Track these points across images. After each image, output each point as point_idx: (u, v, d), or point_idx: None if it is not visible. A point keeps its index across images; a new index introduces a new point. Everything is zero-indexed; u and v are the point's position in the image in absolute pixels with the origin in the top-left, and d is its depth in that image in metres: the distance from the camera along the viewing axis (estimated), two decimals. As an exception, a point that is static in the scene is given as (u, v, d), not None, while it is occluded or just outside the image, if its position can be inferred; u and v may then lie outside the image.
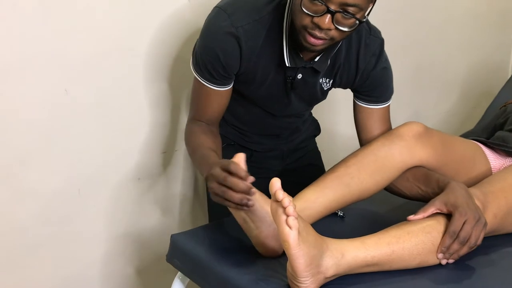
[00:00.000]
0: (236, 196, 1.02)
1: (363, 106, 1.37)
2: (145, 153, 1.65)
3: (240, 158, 1.07)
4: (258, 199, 1.10)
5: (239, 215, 1.13)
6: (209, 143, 1.25)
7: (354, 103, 1.40)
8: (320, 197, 1.24)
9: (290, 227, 0.94)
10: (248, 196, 1.02)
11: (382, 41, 1.32)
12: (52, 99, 1.43)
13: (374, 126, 1.37)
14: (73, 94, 1.45)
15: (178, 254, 1.27)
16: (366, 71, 1.31)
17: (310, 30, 1.11)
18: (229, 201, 1.03)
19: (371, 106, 1.37)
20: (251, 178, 1.03)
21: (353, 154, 1.31)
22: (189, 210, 1.80)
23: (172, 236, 1.29)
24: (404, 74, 2.31)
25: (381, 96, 1.36)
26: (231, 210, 1.13)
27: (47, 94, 1.42)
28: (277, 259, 1.17)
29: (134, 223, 1.69)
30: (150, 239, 1.73)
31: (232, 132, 1.47)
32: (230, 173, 1.03)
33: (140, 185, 1.67)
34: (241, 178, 1.02)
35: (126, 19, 1.49)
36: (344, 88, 1.39)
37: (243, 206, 1.03)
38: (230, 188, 1.02)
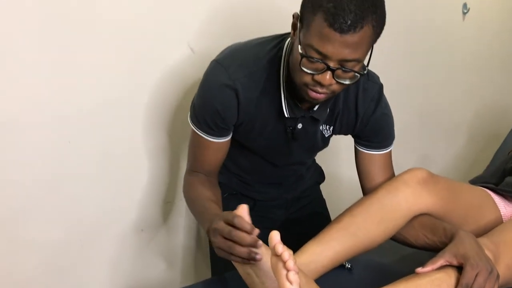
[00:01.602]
0: (243, 251, 0.99)
1: (365, 152, 1.36)
2: (147, 203, 1.63)
3: (243, 210, 1.03)
4: (264, 252, 1.05)
5: (243, 269, 1.10)
6: (208, 194, 1.23)
7: (356, 149, 1.38)
8: (325, 249, 1.20)
9: (291, 283, 0.91)
10: (255, 250, 0.99)
11: (380, 86, 1.31)
12: (55, 150, 1.43)
13: (376, 172, 1.35)
14: (76, 145, 1.45)
15: (180, 309, 1.24)
16: (365, 116, 1.30)
17: (311, 87, 1.11)
18: (236, 256, 1.00)
19: (373, 152, 1.35)
20: (257, 231, 0.99)
21: (358, 203, 1.29)
22: (192, 261, 1.77)
23: (173, 291, 1.26)
24: (411, 119, 2.31)
25: (382, 141, 1.35)
26: (235, 264, 1.09)
27: (50, 145, 1.42)
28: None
29: (136, 275, 1.66)
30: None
31: (234, 181, 1.46)
32: (235, 226, 1.00)
33: (143, 236, 1.65)
34: (246, 231, 0.99)
35: (130, 70, 1.50)
36: (345, 134, 1.37)
37: (251, 260, 1.00)
38: (236, 242, 0.99)
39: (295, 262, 0.92)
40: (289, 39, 1.23)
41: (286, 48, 1.22)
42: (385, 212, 1.25)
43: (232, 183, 1.46)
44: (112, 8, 1.41)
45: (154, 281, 1.70)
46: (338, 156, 1.98)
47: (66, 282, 1.53)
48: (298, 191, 1.54)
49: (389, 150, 1.37)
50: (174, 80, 1.57)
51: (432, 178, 1.29)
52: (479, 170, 1.92)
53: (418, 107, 2.34)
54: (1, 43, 1.28)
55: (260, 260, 1.00)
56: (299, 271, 0.93)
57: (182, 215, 1.71)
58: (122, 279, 1.64)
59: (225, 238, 1.00)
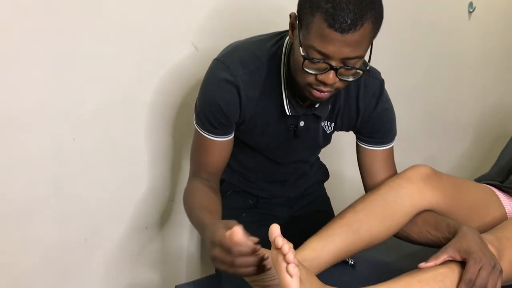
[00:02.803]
0: (250, 270, 0.95)
1: (366, 148, 1.35)
2: (152, 201, 1.64)
3: (237, 233, 0.93)
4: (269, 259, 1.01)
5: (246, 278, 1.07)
6: (205, 202, 1.20)
7: (357, 146, 1.38)
8: (327, 245, 1.20)
9: (291, 275, 0.91)
10: (263, 263, 0.95)
11: (382, 82, 1.31)
12: (60, 147, 1.43)
13: (378, 168, 1.35)
14: (81, 143, 1.46)
15: (183, 306, 1.24)
16: (367, 112, 1.30)
17: (315, 87, 1.11)
18: (247, 275, 0.97)
19: (375, 148, 1.35)
20: (255, 239, 0.94)
21: (361, 199, 1.29)
22: (197, 258, 1.77)
23: (176, 287, 1.26)
24: (418, 118, 2.31)
25: (384, 137, 1.35)
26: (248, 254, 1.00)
27: (55, 143, 1.42)
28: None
29: (141, 272, 1.67)
30: (158, 290, 1.70)
31: (238, 179, 1.46)
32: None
33: (147, 234, 1.65)
34: (248, 255, 0.93)
35: (134, 69, 1.50)
36: (347, 130, 1.37)
37: (260, 273, 0.97)
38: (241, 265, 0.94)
39: (295, 255, 0.91)
40: (288, 37, 1.23)
41: (286, 46, 1.22)
42: (388, 208, 1.25)
43: (235, 181, 1.46)
44: (116, 7, 1.42)
45: (159, 278, 1.70)
46: (343, 154, 1.98)
47: (70, 280, 1.54)
48: (301, 189, 1.54)
49: (391, 146, 1.36)
50: (178, 78, 1.58)
51: (435, 175, 1.29)
52: (485, 170, 1.90)
53: (424, 107, 2.33)
54: (4, 41, 1.28)
55: (269, 269, 0.98)
56: (300, 264, 0.93)
57: (184, 213, 1.71)
58: (126, 277, 1.64)
59: (230, 265, 0.95)
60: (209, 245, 0.98)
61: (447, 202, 1.29)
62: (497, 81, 2.60)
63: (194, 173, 1.30)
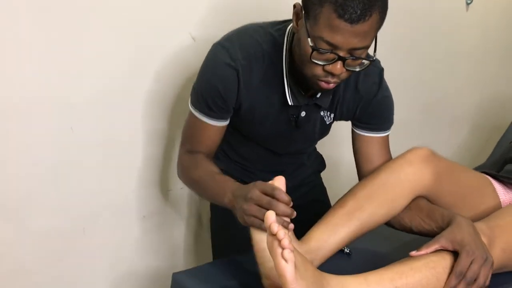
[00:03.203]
0: (278, 219, 1.00)
1: (363, 135, 1.36)
2: (150, 191, 1.65)
3: (281, 182, 1.07)
4: None
5: (261, 244, 1.10)
6: (216, 169, 1.25)
7: (354, 133, 1.38)
8: (332, 235, 1.21)
9: (286, 261, 0.92)
10: (288, 220, 1.03)
11: (381, 70, 1.32)
12: (58, 137, 1.44)
13: (374, 155, 1.35)
14: (79, 132, 1.47)
15: (180, 293, 1.26)
16: (367, 99, 1.31)
17: (323, 78, 1.12)
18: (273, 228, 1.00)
19: (372, 135, 1.35)
20: (291, 203, 1.04)
21: (362, 185, 1.28)
22: (194, 248, 1.78)
23: (173, 274, 1.28)
24: (415, 109, 2.31)
25: (382, 124, 1.35)
26: (255, 238, 1.09)
27: (53, 132, 1.43)
28: (279, 299, 1.14)
29: (139, 261, 1.68)
30: (155, 278, 1.72)
31: (236, 169, 1.46)
32: (273, 197, 1.03)
33: (145, 223, 1.66)
34: (285, 203, 1.03)
35: (132, 59, 1.51)
36: (346, 120, 1.38)
37: (286, 229, 1.01)
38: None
39: (290, 241, 0.93)
40: (289, 26, 1.24)
41: (288, 35, 1.23)
42: (389, 192, 1.25)
43: (234, 171, 1.47)
44: (114, -4, 1.42)
45: (156, 267, 1.71)
46: (340, 144, 1.98)
47: (69, 269, 1.55)
48: (298, 179, 1.55)
49: (387, 133, 1.37)
50: (176, 68, 1.58)
51: (435, 157, 1.29)
52: (482, 161, 1.91)
53: (420, 98, 2.34)
54: (0, 32, 1.29)
55: (292, 229, 1.06)
56: (295, 250, 0.95)
57: (183, 202, 1.73)
58: (124, 265, 1.66)
59: (261, 207, 1.03)
60: (241, 202, 1.07)
61: (444, 186, 1.29)
62: (494, 72, 2.60)
63: (189, 149, 1.31)
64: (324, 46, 1.07)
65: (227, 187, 1.15)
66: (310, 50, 1.08)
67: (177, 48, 1.57)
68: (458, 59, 2.44)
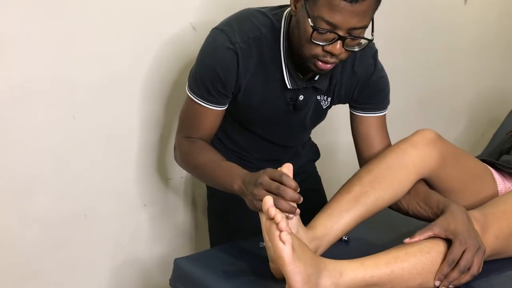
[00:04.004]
0: (286, 204, 1.05)
1: (361, 116, 1.37)
2: (151, 179, 1.67)
3: (289, 169, 1.10)
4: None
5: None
6: (220, 156, 1.27)
7: (351, 115, 1.39)
8: (337, 221, 1.22)
9: (283, 242, 0.95)
10: (295, 205, 1.06)
11: (376, 52, 1.34)
12: (60, 125, 1.46)
13: (373, 136, 1.36)
14: (81, 121, 1.48)
15: (181, 278, 1.28)
16: (364, 81, 1.33)
17: (321, 58, 1.14)
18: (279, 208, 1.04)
19: (369, 115, 1.37)
20: (298, 188, 1.07)
21: (367, 169, 1.28)
22: (195, 235, 1.80)
23: (175, 260, 1.30)
24: (411, 102, 2.33)
25: (379, 103, 1.37)
26: (264, 222, 1.10)
27: (55, 121, 1.45)
28: (279, 282, 1.16)
29: (140, 248, 1.70)
30: (155, 265, 1.73)
31: (232, 157, 1.47)
32: (281, 183, 1.07)
33: (145, 211, 1.68)
34: (293, 189, 1.06)
35: (134, 48, 1.52)
36: (344, 103, 1.39)
37: (290, 214, 1.06)
38: (281, 197, 1.05)
39: (287, 224, 0.95)
40: (286, 11, 1.25)
41: (285, 19, 1.24)
42: (394, 176, 1.26)
43: (229, 159, 1.48)
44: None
45: (157, 254, 1.73)
46: (334, 134, 2.01)
47: (70, 255, 1.57)
48: (294, 168, 1.56)
49: (384, 113, 1.38)
50: (177, 58, 1.59)
51: (440, 140, 1.30)
52: (478, 153, 1.94)
53: (418, 90, 2.36)
54: (4, 21, 1.30)
55: (298, 214, 1.09)
56: (292, 233, 0.97)
57: (182, 191, 1.74)
58: (125, 253, 1.67)
59: (270, 193, 1.06)
60: (251, 187, 1.10)
61: (448, 170, 1.30)
62: (491, 66, 2.62)
63: (187, 135, 1.32)
64: (324, 25, 1.09)
65: (235, 174, 1.18)
66: (311, 30, 1.10)
67: (178, 38, 1.58)
68: (456, 53, 2.46)
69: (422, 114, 2.40)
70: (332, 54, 1.13)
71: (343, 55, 1.15)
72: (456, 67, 2.48)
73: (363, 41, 1.16)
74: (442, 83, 2.45)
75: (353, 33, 1.11)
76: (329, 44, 1.11)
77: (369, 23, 1.13)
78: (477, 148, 2.31)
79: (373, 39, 1.16)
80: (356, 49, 1.15)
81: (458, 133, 2.58)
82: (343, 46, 1.12)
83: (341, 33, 1.10)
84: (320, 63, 1.15)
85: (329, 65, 1.16)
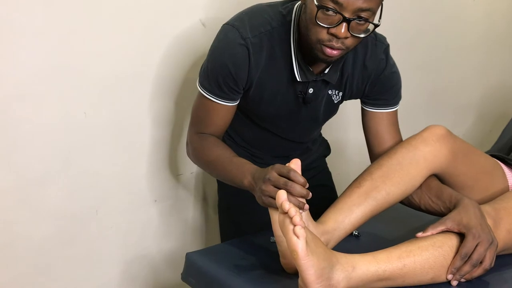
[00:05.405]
0: (294, 200, 1.06)
1: (373, 111, 1.37)
2: (161, 175, 1.67)
3: (297, 165, 1.11)
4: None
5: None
6: (231, 152, 1.28)
7: (363, 110, 1.40)
8: (348, 216, 1.23)
9: (297, 236, 0.95)
10: (304, 201, 1.07)
11: (387, 46, 1.34)
12: (72, 121, 1.47)
13: (385, 133, 1.37)
14: (92, 117, 1.49)
15: (193, 272, 1.28)
16: (375, 75, 1.33)
17: (327, 43, 1.13)
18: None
19: (381, 110, 1.37)
20: (307, 184, 1.08)
21: (378, 164, 1.29)
22: (206, 230, 1.81)
23: (187, 254, 1.30)
24: (420, 97, 2.33)
25: (391, 99, 1.37)
26: (273, 216, 1.12)
27: (67, 117, 1.46)
28: (290, 276, 1.17)
29: (150, 244, 1.71)
30: (166, 260, 1.74)
31: (242, 153, 1.47)
32: (289, 178, 1.07)
33: (156, 206, 1.69)
34: (300, 184, 1.07)
35: (143, 45, 1.53)
36: (356, 98, 1.39)
37: (299, 209, 1.07)
38: (289, 193, 1.06)
39: (301, 218, 0.96)
40: (297, 4, 1.26)
41: (296, 12, 1.25)
42: (405, 172, 1.26)
43: (240, 155, 1.49)
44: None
45: (167, 250, 1.74)
46: (345, 130, 2.01)
47: (81, 250, 1.58)
48: (304, 164, 1.55)
49: (396, 109, 1.38)
50: (187, 54, 1.60)
51: (450, 136, 1.30)
52: (487, 149, 1.93)
53: (426, 86, 2.35)
54: (13, 18, 1.31)
55: (307, 209, 1.10)
56: (305, 227, 0.98)
57: (193, 187, 1.75)
58: (135, 248, 1.68)
59: (279, 188, 1.07)
60: (260, 183, 1.11)
61: (459, 165, 1.30)
62: (500, 62, 2.61)
63: (199, 131, 1.33)
64: (329, 4, 1.09)
65: (246, 170, 1.19)
66: (316, 10, 1.09)
67: (185, 31, 1.58)
68: (464, 49, 2.45)
69: (430, 110, 2.40)
70: (337, 38, 1.12)
71: (349, 41, 1.13)
72: (465, 63, 2.48)
73: (370, 28, 1.15)
74: (450, 79, 2.44)
75: (360, 15, 1.10)
76: (334, 27, 1.10)
77: (376, 8, 1.12)
78: (486, 144, 2.31)
79: (379, 24, 1.15)
80: (362, 35, 1.13)
81: (466, 129, 2.57)
82: (348, 30, 1.11)
83: (346, 14, 1.09)
84: (327, 48, 1.14)
85: (335, 52, 1.14)
